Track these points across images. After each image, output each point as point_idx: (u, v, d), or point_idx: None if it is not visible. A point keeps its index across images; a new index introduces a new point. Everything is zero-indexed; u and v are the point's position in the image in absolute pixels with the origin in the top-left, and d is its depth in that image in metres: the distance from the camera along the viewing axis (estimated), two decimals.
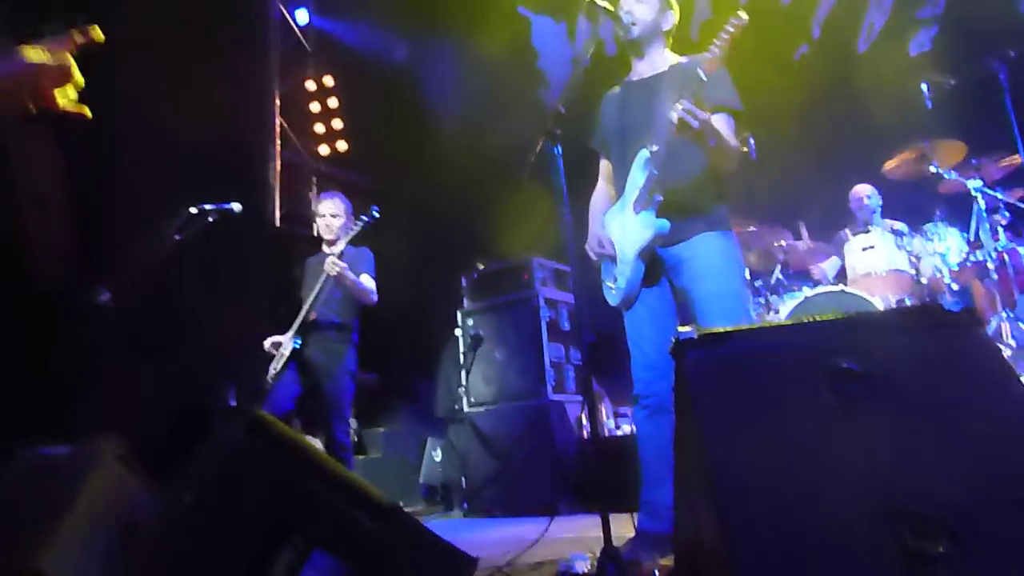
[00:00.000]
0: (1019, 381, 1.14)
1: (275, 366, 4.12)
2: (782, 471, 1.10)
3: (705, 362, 1.24)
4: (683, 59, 3.00)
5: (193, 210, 4.12)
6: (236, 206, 4.18)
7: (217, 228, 4.23)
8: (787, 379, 1.20)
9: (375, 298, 4.27)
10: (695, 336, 1.27)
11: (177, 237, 4.07)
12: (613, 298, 3.00)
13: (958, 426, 1.12)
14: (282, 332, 4.21)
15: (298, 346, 4.12)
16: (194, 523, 2.04)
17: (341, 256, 4.18)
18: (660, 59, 3.04)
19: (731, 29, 2.51)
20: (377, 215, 4.12)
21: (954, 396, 1.15)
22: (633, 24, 2.97)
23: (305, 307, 4.14)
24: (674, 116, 2.53)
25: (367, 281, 4.27)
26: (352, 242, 4.25)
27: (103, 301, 3.74)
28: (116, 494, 2.75)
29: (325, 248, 4.39)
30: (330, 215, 4.36)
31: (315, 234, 4.59)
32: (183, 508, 2.05)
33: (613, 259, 2.97)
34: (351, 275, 4.09)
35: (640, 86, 3.05)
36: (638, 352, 2.93)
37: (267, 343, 4.20)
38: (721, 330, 1.26)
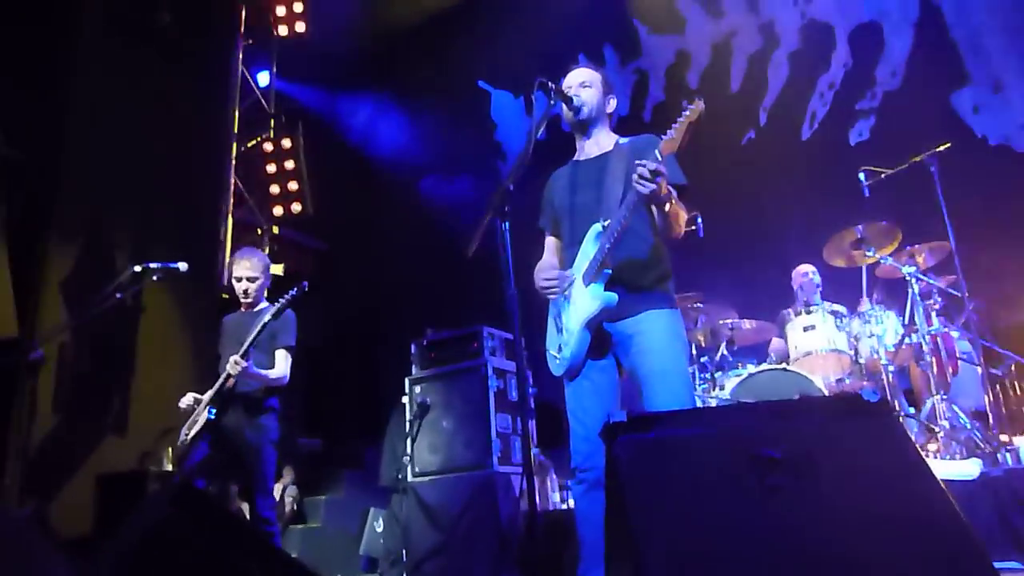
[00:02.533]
0: (929, 471, 1.18)
1: (186, 432, 3.92)
2: (707, 557, 1.11)
3: (634, 446, 1.25)
4: (626, 139, 3.11)
5: (137, 268, 4.06)
6: (182, 265, 4.12)
7: (162, 286, 4.17)
8: (713, 465, 1.22)
9: (285, 381, 4.05)
10: (626, 419, 1.29)
11: (118, 296, 4.00)
12: (556, 368, 3.01)
13: (874, 512, 1.15)
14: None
15: (212, 416, 3.89)
16: None
17: (259, 315, 4.00)
18: (606, 139, 3.15)
19: (687, 114, 2.61)
20: (306, 290, 3.93)
21: (871, 484, 1.18)
22: (583, 106, 3.08)
23: (222, 377, 3.90)
24: (643, 171, 2.59)
25: (279, 360, 4.05)
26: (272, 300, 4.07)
27: (35, 358, 3.62)
28: (30, 564, 2.62)
29: (244, 308, 4.19)
30: (247, 278, 4.13)
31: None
32: None
33: (558, 320, 2.99)
34: (256, 372, 3.88)
35: (589, 164, 3.14)
36: (578, 425, 2.92)
37: (183, 401, 3.97)
38: (651, 414, 1.27)
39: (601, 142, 3.15)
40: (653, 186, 2.58)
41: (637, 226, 2.83)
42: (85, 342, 4.55)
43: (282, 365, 4.04)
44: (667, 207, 2.75)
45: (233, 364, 3.78)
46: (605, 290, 2.82)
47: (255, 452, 3.89)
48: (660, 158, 2.63)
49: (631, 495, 1.21)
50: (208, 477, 3.95)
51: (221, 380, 3.90)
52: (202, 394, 3.97)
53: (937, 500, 1.16)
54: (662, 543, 1.14)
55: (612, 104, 3.19)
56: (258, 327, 3.84)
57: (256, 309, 4.14)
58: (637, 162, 2.60)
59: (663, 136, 2.65)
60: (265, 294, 4.24)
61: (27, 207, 4.73)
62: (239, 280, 4.14)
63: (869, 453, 1.23)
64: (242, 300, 4.16)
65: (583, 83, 3.12)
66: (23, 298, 4.38)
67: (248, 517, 3.86)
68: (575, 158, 3.24)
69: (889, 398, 4.71)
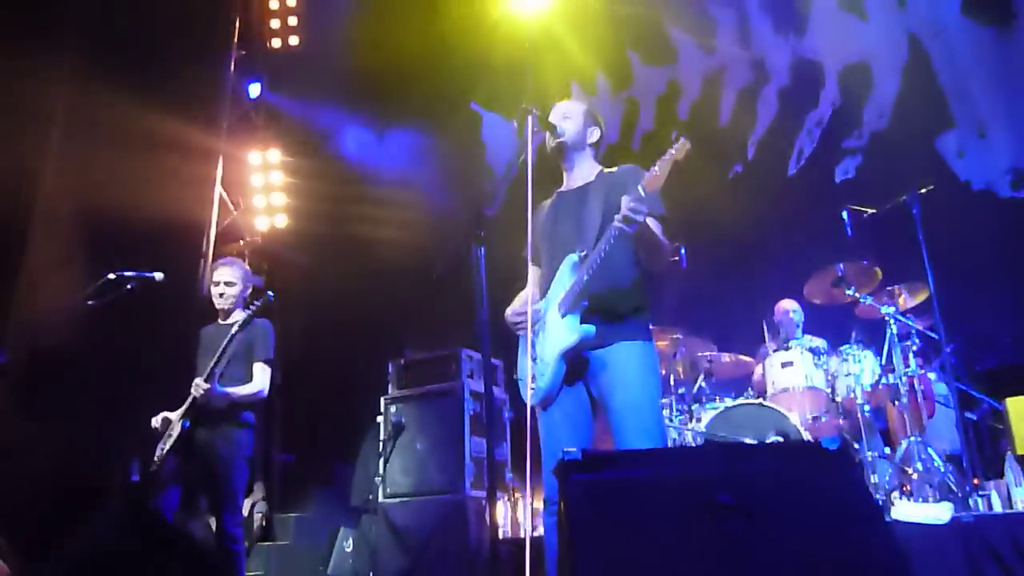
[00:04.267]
0: (884, 521, 1.16)
1: (163, 446, 3.85)
2: None
3: (586, 485, 1.23)
4: (611, 169, 3.12)
5: (112, 276, 4.00)
6: (158, 275, 4.06)
7: (138, 296, 4.11)
8: (665, 509, 1.19)
9: (262, 396, 3.98)
10: (580, 458, 1.27)
11: (91, 302, 3.94)
12: (532, 397, 2.98)
13: (826, 561, 1.13)
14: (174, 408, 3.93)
15: (187, 427, 3.82)
16: None
17: (234, 326, 3.96)
18: (588, 170, 3.17)
19: (673, 152, 2.61)
20: (271, 300, 3.92)
21: (824, 533, 1.16)
22: (563, 135, 3.09)
23: (190, 398, 3.83)
24: (623, 208, 2.59)
25: (257, 373, 3.97)
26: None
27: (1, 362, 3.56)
28: None
29: (220, 319, 4.13)
30: (225, 283, 4.06)
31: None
32: None
33: (533, 348, 2.97)
34: (222, 392, 3.80)
35: (569, 196, 3.16)
36: (550, 456, 2.90)
37: (155, 420, 3.91)
38: (604, 453, 1.25)
39: (583, 172, 3.16)
40: (636, 226, 2.59)
41: (616, 257, 2.82)
42: (56, 348, 4.48)
43: (259, 379, 3.98)
44: (648, 241, 2.76)
45: (195, 387, 3.73)
46: (581, 321, 2.81)
47: (227, 467, 3.82)
48: (643, 194, 2.63)
49: (579, 535, 1.19)
50: (178, 488, 3.85)
51: (188, 402, 3.84)
52: (173, 410, 3.91)
53: (890, 549, 1.14)
54: None
55: (595, 135, 3.20)
56: (226, 340, 3.79)
57: (230, 320, 4.08)
58: (626, 199, 2.59)
59: (647, 172, 2.65)
60: (243, 305, 4.19)
61: (5, 211, 4.68)
62: (216, 284, 4.10)
63: (824, 501, 1.21)
64: (218, 306, 4.11)
65: (564, 115, 3.15)
66: None
67: (215, 532, 3.77)
68: (559, 189, 3.25)
69: (864, 438, 4.71)
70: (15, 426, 4.27)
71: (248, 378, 3.97)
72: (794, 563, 1.16)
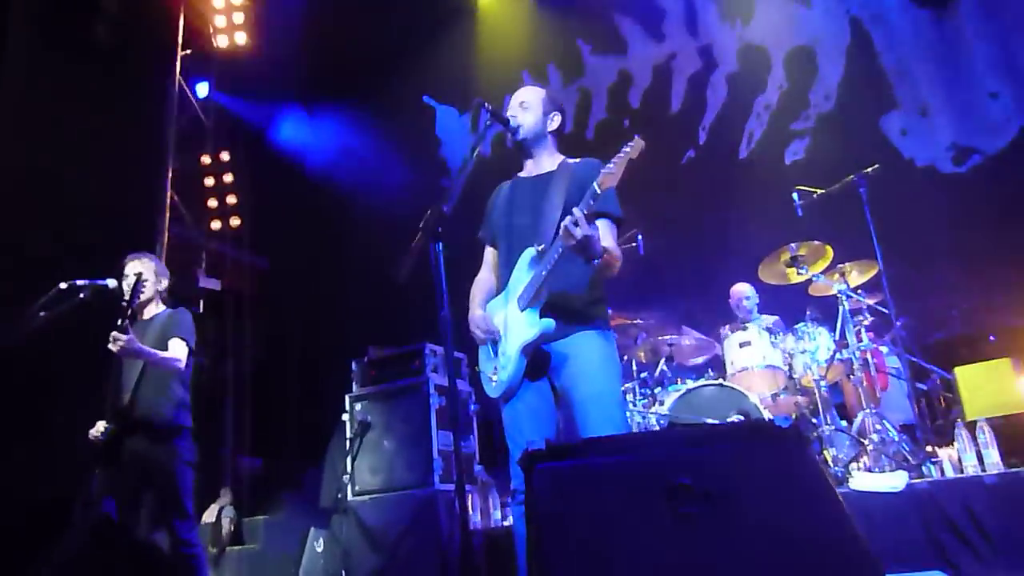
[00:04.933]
0: (836, 496, 1.21)
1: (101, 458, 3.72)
2: None
3: (551, 474, 1.26)
4: (572, 160, 3.12)
5: (63, 285, 3.91)
6: (111, 282, 3.96)
7: (91, 305, 4.02)
8: (628, 494, 1.23)
9: (180, 365, 3.77)
10: (543, 448, 1.30)
11: (43, 313, 3.85)
12: (492, 390, 3.01)
13: (782, 538, 1.18)
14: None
15: (107, 434, 3.67)
16: None
17: (152, 321, 3.89)
18: (548, 159, 3.15)
19: (628, 151, 2.64)
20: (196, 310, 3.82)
21: (779, 510, 1.21)
22: (519, 127, 3.09)
23: (126, 395, 3.71)
24: (567, 224, 2.61)
25: (174, 346, 3.78)
26: (169, 304, 3.97)
27: None
28: None
29: (140, 317, 3.99)
30: (134, 275, 3.83)
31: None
32: None
33: (495, 345, 2.99)
34: (138, 347, 3.59)
35: (528, 184, 3.15)
36: (515, 447, 2.93)
37: (92, 432, 3.74)
38: (568, 443, 1.28)
39: (542, 162, 3.15)
40: (575, 241, 2.59)
41: (572, 253, 2.84)
42: (10, 362, 4.38)
43: (175, 349, 3.78)
44: (596, 261, 2.75)
45: (112, 339, 3.52)
46: (541, 316, 2.83)
47: (168, 475, 3.69)
48: (598, 191, 2.65)
49: (546, 524, 1.22)
50: (113, 500, 3.71)
51: (112, 396, 3.73)
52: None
53: (841, 525, 1.20)
54: (573, 572, 1.15)
55: (555, 122, 3.16)
56: (129, 291, 3.66)
57: (147, 315, 3.99)
58: (569, 218, 2.60)
59: (604, 167, 2.66)
60: (160, 299, 4.08)
61: None
62: (125, 279, 3.92)
63: (778, 480, 1.26)
64: (127, 299, 3.80)
65: (522, 103, 3.13)
66: None
67: (169, 542, 3.68)
68: (518, 174, 3.24)
69: (821, 413, 4.83)
70: None
71: (164, 377, 3.83)
72: (752, 541, 1.20)
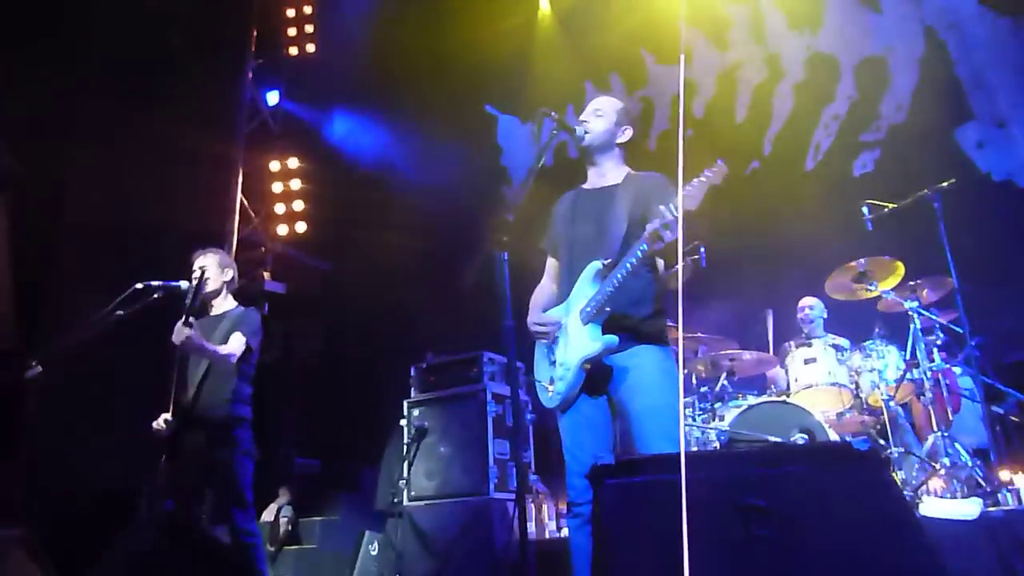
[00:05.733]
0: (918, 523, 1.17)
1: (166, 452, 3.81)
2: None
3: (620, 490, 1.25)
4: (638, 173, 3.09)
5: (139, 286, 4.05)
6: (184, 284, 4.08)
7: (163, 305, 4.15)
8: (698, 513, 1.21)
9: (233, 360, 3.86)
10: (613, 463, 1.28)
11: (119, 312, 3.99)
12: (549, 400, 3.00)
13: (860, 564, 1.14)
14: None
15: (171, 428, 3.77)
16: None
17: (222, 317, 3.98)
18: (614, 171, 3.12)
19: (711, 175, 2.60)
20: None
21: (858, 536, 1.17)
22: (586, 134, 3.08)
23: (190, 389, 3.81)
24: (655, 224, 2.59)
25: (232, 340, 3.88)
26: (243, 304, 4.04)
27: (32, 375, 3.61)
28: None
29: (209, 312, 4.11)
30: (199, 267, 3.98)
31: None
32: None
33: (551, 354, 2.99)
34: (199, 342, 3.69)
35: (592, 196, 3.13)
36: (573, 460, 2.92)
37: (156, 424, 3.85)
38: (638, 458, 1.27)
39: (608, 173, 3.13)
40: (662, 244, 2.58)
41: (639, 268, 2.82)
42: (86, 360, 4.55)
43: (233, 344, 3.88)
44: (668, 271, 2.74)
45: (177, 331, 3.62)
46: (604, 331, 2.81)
47: (228, 466, 3.77)
48: (675, 215, 2.60)
49: (615, 539, 1.20)
50: (173, 496, 3.72)
51: (176, 391, 3.83)
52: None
53: (924, 553, 1.15)
54: None
55: (626, 135, 3.14)
56: (195, 282, 3.76)
57: (218, 311, 4.09)
58: (653, 223, 2.58)
59: (686, 188, 2.59)
60: (227, 290, 4.18)
61: (32, 224, 4.75)
62: (193, 273, 4.02)
63: (856, 503, 1.22)
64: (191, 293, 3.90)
65: (596, 111, 3.11)
66: (25, 314, 4.40)
67: (229, 532, 3.75)
68: (582, 185, 3.23)
69: (889, 434, 4.68)
70: (49, 436, 4.34)
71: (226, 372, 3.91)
72: (827, 566, 1.17)
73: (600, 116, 3.10)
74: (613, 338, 2.79)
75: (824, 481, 1.25)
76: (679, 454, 1.28)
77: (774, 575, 1.16)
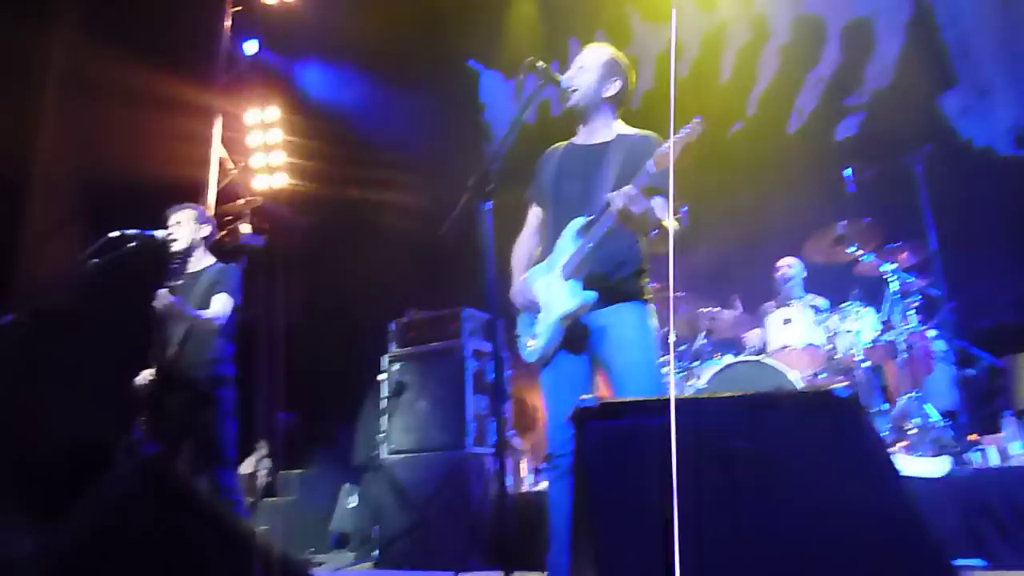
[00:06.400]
0: (895, 469, 1.18)
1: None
2: (664, 549, 1.11)
3: (603, 431, 1.25)
4: (631, 131, 3.04)
5: (114, 234, 3.98)
6: (159, 233, 4.03)
7: (138, 256, 4.09)
8: (681, 456, 1.21)
9: (219, 322, 3.85)
10: (596, 404, 1.28)
11: (95, 260, 3.93)
12: (529, 355, 3.00)
13: (842, 510, 1.15)
14: None
15: (153, 384, 3.77)
16: (72, 565, 1.95)
17: (200, 274, 3.95)
18: (604, 128, 3.03)
19: (687, 132, 2.57)
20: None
21: (839, 481, 1.19)
22: (574, 91, 3.01)
23: (172, 348, 3.78)
24: (618, 202, 2.56)
25: (216, 302, 3.86)
26: (221, 258, 3.99)
27: (4, 322, 3.56)
28: None
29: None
30: (175, 225, 3.96)
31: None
32: (63, 549, 1.95)
33: (534, 313, 2.98)
34: (184, 308, 3.70)
35: (581, 152, 3.05)
36: (553, 414, 2.93)
37: (139, 379, 3.85)
38: (622, 401, 1.27)
39: (598, 130, 3.03)
40: (630, 217, 2.55)
41: (616, 226, 2.79)
42: (60, 308, 4.49)
43: (217, 306, 3.86)
44: (652, 234, 2.71)
45: (160, 297, 3.63)
46: (584, 287, 2.81)
47: (210, 424, 3.78)
48: (654, 170, 2.58)
49: (596, 481, 1.21)
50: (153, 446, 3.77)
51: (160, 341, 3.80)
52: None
53: (901, 499, 1.17)
54: (624, 531, 1.14)
55: (614, 88, 3.01)
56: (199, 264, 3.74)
57: (197, 268, 4.04)
58: (621, 192, 2.56)
59: (659, 147, 2.59)
60: (205, 246, 4.12)
61: (4, 173, 4.64)
62: (168, 230, 3.99)
63: (837, 449, 1.23)
64: (174, 252, 3.96)
65: (581, 66, 3.01)
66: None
67: (210, 488, 3.77)
68: (572, 140, 3.14)
69: (862, 395, 4.75)
70: (24, 386, 4.29)
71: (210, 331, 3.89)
72: (808, 512, 1.18)
73: (584, 70, 3.00)
74: (591, 294, 2.78)
75: (806, 427, 1.26)
76: (665, 398, 1.29)
77: (757, 519, 1.18)
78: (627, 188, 2.56)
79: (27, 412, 4.27)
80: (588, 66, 3.02)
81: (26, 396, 4.34)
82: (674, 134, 2.56)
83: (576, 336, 2.90)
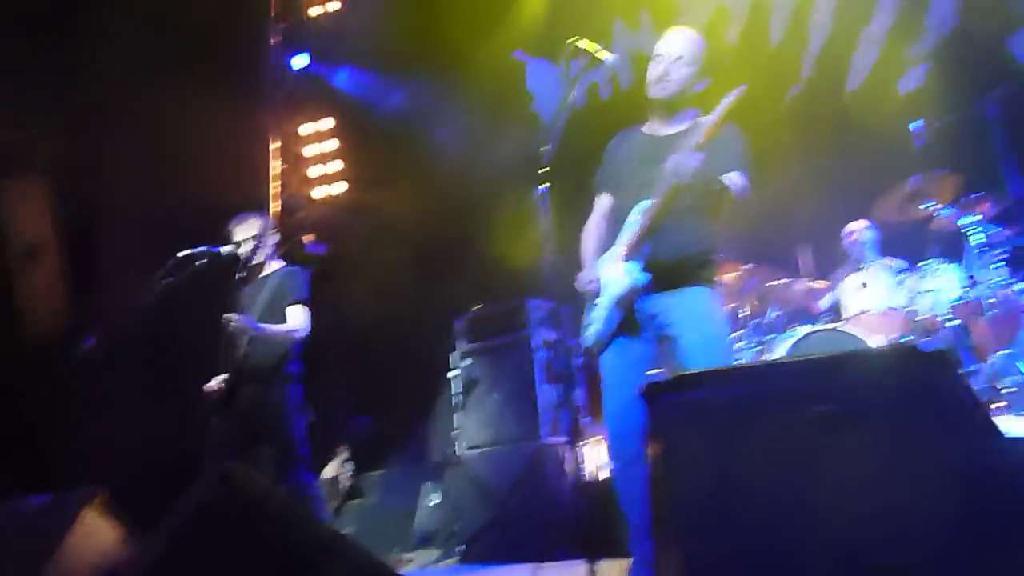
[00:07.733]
0: (990, 420, 1.10)
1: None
2: (750, 522, 1.06)
3: (676, 405, 1.20)
4: (707, 118, 2.92)
5: (183, 253, 4.09)
6: (225, 249, 4.12)
7: (208, 272, 4.19)
8: (762, 425, 1.16)
9: (299, 335, 3.94)
10: (668, 378, 1.24)
11: (169, 279, 4.04)
12: (586, 339, 2.97)
13: (930, 470, 1.08)
14: None
15: (226, 387, 3.86)
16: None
17: (267, 279, 4.01)
18: (683, 118, 2.93)
19: (730, 100, 2.50)
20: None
21: (931, 441, 1.11)
22: (667, 81, 2.86)
23: (241, 349, 3.87)
24: (670, 165, 2.53)
25: (292, 314, 3.94)
26: (288, 261, 4.05)
27: (88, 346, 3.70)
28: (94, 545, 2.69)
29: (258, 275, 4.16)
30: (243, 240, 4.08)
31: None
32: (159, 560, 2.00)
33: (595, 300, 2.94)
34: (258, 327, 3.80)
35: (657, 143, 2.93)
36: (610, 399, 2.87)
37: (209, 385, 3.96)
38: (694, 372, 1.22)
39: (678, 120, 2.93)
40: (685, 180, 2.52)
41: (684, 204, 2.71)
42: (137, 329, 4.64)
43: (293, 319, 3.93)
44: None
45: (226, 320, 3.72)
46: (644, 268, 2.75)
47: (281, 421, 3.85)
48: (701, 143, 2.53)
49: (673, 456, 1.17)
50: (228, 452, 3.85)
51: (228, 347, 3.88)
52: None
53: (1004, 455, 1.09)
54: (705, 506, 1.09)
55: (704, 85, 2.91)
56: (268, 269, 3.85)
57: (266, 273, 4.13)
58: (673, 158, 2.52)
59: (703, 120, 2.56)
60: (275, 254, 4.23)
61: (75, 207, 4.82)
62: (237, 247, 4.10)
63: (929, 407, 1.16)
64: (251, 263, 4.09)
65: (679, 57, 2.84)
66: (76, 290, 4.49)
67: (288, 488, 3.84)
68: (645, 129, 3.03)
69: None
70: (108, 406, 4.46)
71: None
72: (901, 469, 1.12)
73: (684, 64, 2.84)
74: (643, 276, 2.72)
75: (893, 386, 1.19)
76: (734, 368, 1.23)
77: (846, 482, 1.11)
78: (677, 155, 2.52)
79: (113, 430, 4.43)
80: (690, 58, 2.86)
81: (111, 415, 4.50)
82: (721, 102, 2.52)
83: (636, 320, 2.84)
